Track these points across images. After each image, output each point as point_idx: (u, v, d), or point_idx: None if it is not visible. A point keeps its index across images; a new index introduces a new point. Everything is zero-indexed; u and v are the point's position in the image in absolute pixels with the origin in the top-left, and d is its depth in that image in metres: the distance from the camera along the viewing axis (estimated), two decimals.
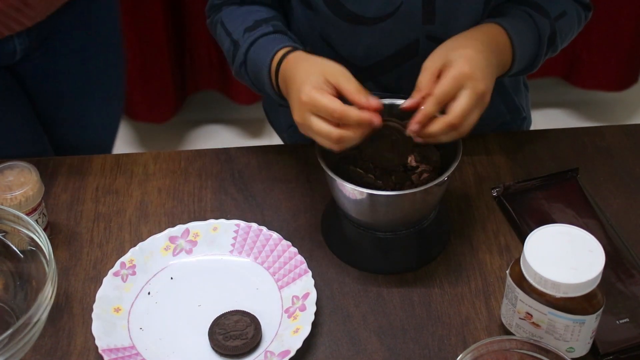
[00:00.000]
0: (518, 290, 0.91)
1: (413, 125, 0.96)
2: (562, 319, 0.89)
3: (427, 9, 1.07)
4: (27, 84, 1.35)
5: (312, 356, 0.96)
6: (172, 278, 1.04)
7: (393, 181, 1.01)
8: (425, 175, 1.01)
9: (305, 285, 1.00)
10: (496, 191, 1.13)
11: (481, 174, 1.17)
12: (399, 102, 1.06)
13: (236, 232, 1.07)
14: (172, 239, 1.07)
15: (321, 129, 0.95)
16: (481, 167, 1.18)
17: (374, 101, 0.95)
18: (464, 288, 1.03)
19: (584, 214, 1.08)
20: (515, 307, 0.92)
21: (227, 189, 1.16)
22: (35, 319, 0.87)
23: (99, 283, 1.02)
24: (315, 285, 1.00)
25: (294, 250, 1.04)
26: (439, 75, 0.97)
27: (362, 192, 0.97)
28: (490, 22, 1.06)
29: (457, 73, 0.95)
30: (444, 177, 0.98)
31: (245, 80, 1.13)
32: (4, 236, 0.98)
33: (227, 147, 1.22)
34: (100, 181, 1.18)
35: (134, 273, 1.03)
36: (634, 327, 0.95)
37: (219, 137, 2.33)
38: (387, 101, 1.07)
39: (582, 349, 0.92)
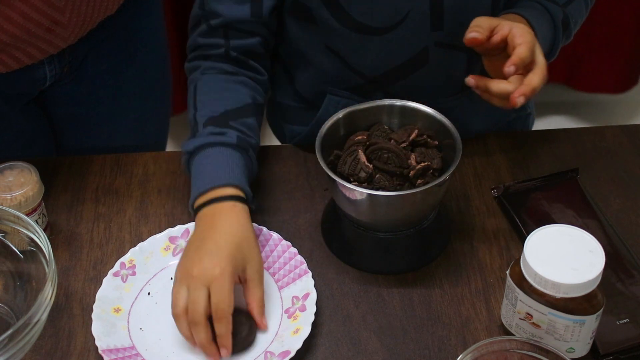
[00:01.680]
0: (518, 290, 0.91)
1: (510, 68, 0.96)
2: (562, 320, 0.89)
3: (435, 15, 1.06)
4: (50, 110, 1.29)
5: (312, 356, 0.96)
6: (172, 278, 1.04)
7: (393, 182, 1.01)
8: (425, 176, 1.01)
9: (305, 285, 1.00)
10: (496, 191, 1.13)
11: (481, 174, 1.17)
12: (398, 102, 1.07)
13: None
14: (172, 239, 1.07)
15: (197, 314, 0.93)
16: (481, 167, 1.18)
17: (266, 323, 0.97)
18: (464, 288, 1.03)
19: (584, 214, 1.08)
20: (515, 308, 0.92)
21: None
22: (35, 319, 0.86)
23: (98, 283, 1.02)
24: (315, 286, 1.00)
25: (294, 250, 1.04)
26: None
27: (362, 192, 0.97)
28: (511, 13, 1.06)
29: (525, 30, 0.97)
30: (444, 177, 0.98)
31: (185, 169, 1.07)
32: (4, 236, 0.98)
33: None
34: (100, 181, 1.18)
35: (133, 273, 1.03)
36: (634, 328, 0.95)
37: None
38: (387, 102, 1.07)
39: (582, 349, 0.92)
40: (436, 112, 1.05)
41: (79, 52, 1.22)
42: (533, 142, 1.22)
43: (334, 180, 0.98)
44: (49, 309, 0.89)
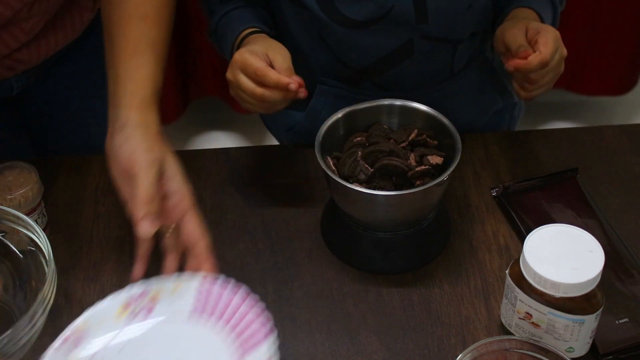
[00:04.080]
0: (518, 290, 0.91)
1: (514, 64, 1.03)
2: (562, 319, 0.89)
3: (419, 9, 1.07)
4: (25, 113, 1.30)
5: (312, 356, 0.96)
6: (124, 348, 0.90)
7: (393, 181, 1.01)
8: (425, 176, 1.01)
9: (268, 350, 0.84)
10: (496, 191, 1.13)
11: (481, 174, 1.17)
12: (398, 102, 1.07)
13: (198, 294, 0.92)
14: (126, 305, 0.93)
15: (246, 86, 1.01)
16: (481, 167, 1.18)
17: (296, 78, 1.01)
18: (463, 288, 1.03)
19: (584, 214, 1.08)
20: (514, 307, 0.93)
21: (226, 189, 1.16)
22: (35, 319, 0.87)
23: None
24: (316, 285, 1.00)
25: (257, 310, 0.89)
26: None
27: (362, 192, 0.97)
28: (528, 9, 1.12)
29: (555, 36, 1.03)
30: (444, 177, 0.98)
31: (215, 46, 1.19)
32: (3, 236, 0.98)
33: (227, 147, 1.22)
34: (100, 181, 1.18)
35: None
36: (633, 327, 0.95)
37: (220, 144, 2.35)
38: (386, 101, 1.07)
39: (582, 348, 0.92)
40: (436, 112, 1.05)
41: (42, 68, 1.23)
42: (533, 142, 1.22)
43: (334, 180, 0.98)
44: (48, 308, 0.89)
